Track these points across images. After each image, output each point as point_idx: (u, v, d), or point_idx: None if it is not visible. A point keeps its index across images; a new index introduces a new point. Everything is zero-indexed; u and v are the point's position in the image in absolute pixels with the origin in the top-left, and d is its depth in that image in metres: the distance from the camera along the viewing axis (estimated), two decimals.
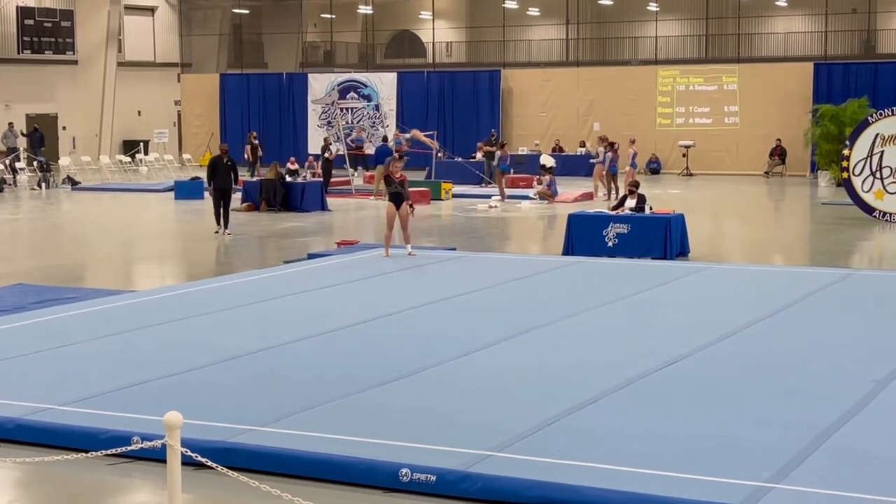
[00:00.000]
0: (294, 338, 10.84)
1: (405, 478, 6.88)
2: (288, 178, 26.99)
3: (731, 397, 8.60)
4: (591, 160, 30.67)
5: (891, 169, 22.25)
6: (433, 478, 6.84)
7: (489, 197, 28.11)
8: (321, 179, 28.27)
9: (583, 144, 37.85)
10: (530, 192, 28.60)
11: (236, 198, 23.93)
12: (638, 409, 8.30)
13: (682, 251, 17.56)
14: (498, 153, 29.16)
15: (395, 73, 41.82)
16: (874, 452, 7.22)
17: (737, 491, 6.46)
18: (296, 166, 29.57)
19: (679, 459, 7.06)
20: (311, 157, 33.02)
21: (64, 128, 42.72)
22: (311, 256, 17.19)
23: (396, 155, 16.46)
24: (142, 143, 41.88)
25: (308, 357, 10.12)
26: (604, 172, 28.16)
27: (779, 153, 36.09)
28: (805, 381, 9.07)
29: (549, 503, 6.52)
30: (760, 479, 6.66)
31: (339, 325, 11.47)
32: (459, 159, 33.31)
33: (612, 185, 27.99)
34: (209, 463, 6.18)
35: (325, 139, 32.35)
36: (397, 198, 16.40)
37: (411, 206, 15.68)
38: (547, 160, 30.05)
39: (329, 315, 12.10)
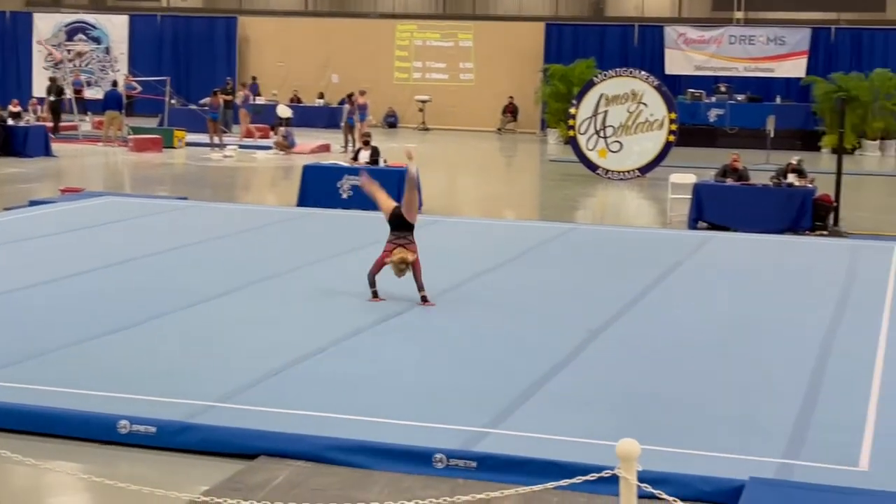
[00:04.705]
0: (8, 288, 10.37)
1: (124, 430, 6.72)
2: (10, 122, 25.69)
3: (453, 346, 8.81)
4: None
5: (613, 128, 23.19)
6: (153, 429, 6.71)
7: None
8: (45, 124, 27.06)
9: (321, 96, 37.70)
10: (269, 143, 28.30)
11: None
12: (360, 357, 8.40)
13: None
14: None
15: (127, 16, 40.37)
16: (585, 398, 7.55)
17: (455, 436, 6.64)
18: (18, 108, 28.17)
19: (401, 407, 7.18)
20: (34, 100, 31.48)
21: None
22: (33, 203, 16.51)
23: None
24: None
25: (25, 308, 9.70)
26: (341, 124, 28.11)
27: (511, 110, 37.03)
28: (525, 331, 9.39)
29: (272, 453, 6.51)
30: (478, 424, 6.87)
31: (60, 274, 11.05)
32: (194, 107, 32.51)
33: (350, 138, 28.04)
34: None
35: (51, 79, 30.93)
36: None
37: None
38: (284, 111, 29.83)
39: (50, 264, 11.63)
